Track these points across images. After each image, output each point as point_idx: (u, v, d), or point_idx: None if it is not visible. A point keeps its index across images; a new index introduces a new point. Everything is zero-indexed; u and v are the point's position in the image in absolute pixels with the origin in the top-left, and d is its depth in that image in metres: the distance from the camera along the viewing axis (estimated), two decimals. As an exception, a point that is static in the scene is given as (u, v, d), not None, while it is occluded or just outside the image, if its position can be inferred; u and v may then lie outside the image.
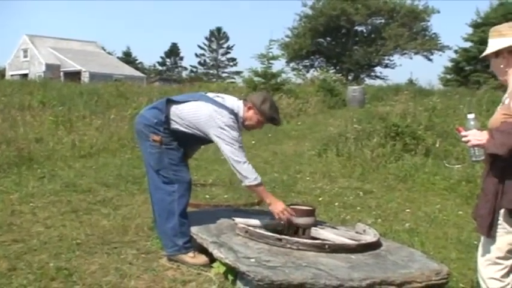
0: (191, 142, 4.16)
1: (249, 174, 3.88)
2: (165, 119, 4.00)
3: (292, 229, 3.99)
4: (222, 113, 3.93)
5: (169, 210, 4.01)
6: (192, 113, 4.00)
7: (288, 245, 3.67)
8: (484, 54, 2.85)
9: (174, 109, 4.03)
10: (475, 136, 2.69)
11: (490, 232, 2.74)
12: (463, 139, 2.74)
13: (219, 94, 4.23)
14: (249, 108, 4.06)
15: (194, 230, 4.06)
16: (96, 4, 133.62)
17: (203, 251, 3.93)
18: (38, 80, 25.28)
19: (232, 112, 3.98)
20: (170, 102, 4.08)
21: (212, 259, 3.81)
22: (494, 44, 2.78)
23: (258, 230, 3.88)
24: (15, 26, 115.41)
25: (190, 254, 4.03)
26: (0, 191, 6.15)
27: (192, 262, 3.98)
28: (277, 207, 3.95)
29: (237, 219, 4.18)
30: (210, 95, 4.18)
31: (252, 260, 3.39)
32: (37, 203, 5.68)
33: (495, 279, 2.78)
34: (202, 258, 3.98)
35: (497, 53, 2.78)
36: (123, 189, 6.60)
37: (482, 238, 2.86)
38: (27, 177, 6.88)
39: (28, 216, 5.18)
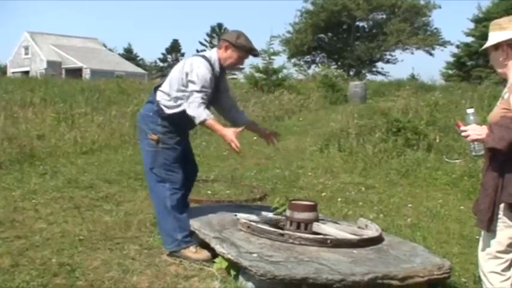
0: (189, 121, 4.13)
1: (203, 114, 3.90)
2: (157, 107, 4.09)
3: (295, 224, 4.00)
4: (193, 59, 4.06)
5: (164, 207, 4.11)
6: (170, 79, 4.14)
7: (290, 240, 3.68)
8: (483, 47, 2.86)
9: (161, 93, 4.14)
10: (475, 131, 2.69)
11: (490, 226, 2.75)
12: (463, 134, 2.74)
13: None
14: (226, 48, 4.12)
15: (196, 225, 4.07)
16: (97, 1, 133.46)
17: (205, 246, 3.94)
18: (39, 77, 25.33)
19: (204, 57, 4.08)
20: (157, 89, 4.21)
21: (214, 254, 3.82)
22: (494, 37, 2.79)
23: (260, 225, 3.89)
24: (16, 23, 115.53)
25: (192, 249, 4.05)
26: (2, 188, 6.16)
27: (195, 257, 4.00)
28: (227, 138, 3.93)
29: (239, 215, 4.19)
30: None
31: (254, 255, 3.40)
32: (39, 200, 5.69)
33: (496, 273, 2.79)
34: (205, 253, 4.00)
35: (496, 46, 2.78)
36: (125, 185, 6.62)
37: (482, 232, 2.86)
38: (30, 174, 6.89)
39: (30, 213, 5.19)
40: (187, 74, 4.01)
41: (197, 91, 3.93)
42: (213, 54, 4.15)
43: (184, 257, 4.02)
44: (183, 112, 3.99)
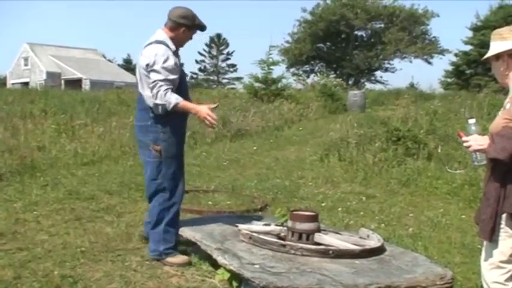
0: (183, 120, 4.26)
1: (172, 99, 3.93)
2: (152, 113, 4.09)
3: (296, 235, 4.00)
4: (149, 49, 4.07)
5: (159, 217, 4.19)
6: (139, 80, 4.19)
7: (292, 251, 3.69)
8: (484, 57, 2.87)
9: (145, 97, 4.13)
10: (476, 141, 2.70)
11: (492, 236, 2.75)
12: (465, 144, 2.75)
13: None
14: (172, 30, 4.16)
15: (198, 236, 4.08)
16: (96, 12, 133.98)
17: (208, 257, 3.95)
18: (39, 88, 25.35)
19: (161, 42, 4.09)
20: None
21: (216, 265, 3.82)
22: (495, 47, 2.79)
23: (261, 236, 3.89)
24: (15, 35, 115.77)
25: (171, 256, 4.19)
26: (3, 200, 6.16)
27: (171, 261, 4.13)
28: (202, 113, 3.96)
29: (241, 226, 4.20)
30: None
31: (257, 266, 3.40)
32: (41, 211, 5.69)
33: (499, 283, 2.79)
34: (181, 258, 4.17)
35: (497, 56, 2.79)
36: (126, 196, 6.62)
37: (485, 242, 2.86)
38: (30, 186, 6.89)
39: (32, 225, 5.19)
40: (147, 65, 4.01)
41: (161, 80, 3.94)
42: (163, 36, 4.15)
43: (164, 263, 4.16)
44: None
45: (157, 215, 4.19)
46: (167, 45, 4.07)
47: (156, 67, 3.96)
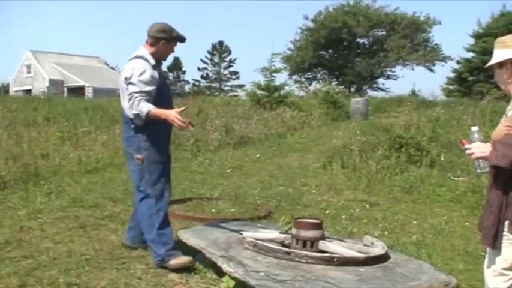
0: (165, 129, 4.40)
1: (144, 108, 4.10)
2: (133, 124, 4.30)
3: (301, 242, 4.01)
4: (129, 64, 4.32)
5: (149, 224, 4.33)
6: (121, 93, 4.43)
7: (297, 259, 3.70)
8: (488, 64, 2.88)
9: (126, 110, 4.35)
10: (479, 148, 2.72)
11: (495, 243, 2.76)
12: (467, 151, 2.77)
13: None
14: (152, 45, 4.38)
15: (202, 244, 4.09)
16: (98, 20, 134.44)
17: (212, 264, 3.96)
18: (42, 96, 25.42)
19: (140, 57, 4.32)
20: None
21: (221, 273, 3.83)
22: (499, 54, 2.81)
23: (266, 244, 3.90)
24: (18, 42, 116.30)
25: (173, 258, 4.24)
26: (8, 207, 6.19)
27: (175, 263, 4.20)
28: (170, 117, 4.09)
29: (245, 233, 4.21)
30: None
31: (261, 273, 3.41)
32: (45, 219, 5.70)
33: (502, 289, 2.80)
34: (185, 259, 4.22)
35: (501, 64, 2.80)
36: (130, 204, 6.58)
37: (488, 249, 2.88)
38: (34, 193, 6.91)
39: (37, 232, 5.21)
40: (126, 79, 4.26)
41: (136, 92, 4.16)
42: (144, 51, 4.38)
43: (168, 266, 4.21)
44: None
45: (147, 222, 4.35)
46: (146, 60, 4.31)
47: (132, 80, 4.20)
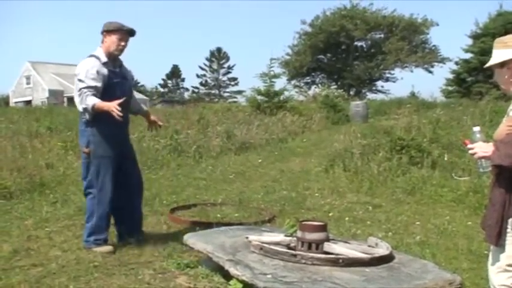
0: (117, 125, 4.66)
1: (89, 102, 4.53)
2: (84, 117, 4.72)
3: (306, 245, 4.06)
4: (81, 62, 4.76)
5: (91, 211, 4.86)
6: (75, 90, 4.78)
7: (303, 260, 3.74)
8: (488, 64, 2.89)
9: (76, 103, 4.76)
10: (481, 148, 2.76)
11: (498, 241, 2.81)
12: (470, 151, 2.81)
13: None
14: (101, 43, 4.82)
15: (209, 248, 4.13)
16: (97, 28, 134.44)
17: (219, 268, 4.01)
18: (43, 107, 25.49)
19: (90, 56, 4.77)
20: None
21: (228, 276, 3.87)
22: (499, 54, 2.81)
23: (272, 247, 3.95)
24: (17, 54, 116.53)
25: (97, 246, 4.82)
26: (15, 217, 6.24)
27: (95, 249, 4.76)
28: (109, 108, 4.45)
29: (251, 237, 4.26)
30: None
31: (269, 276, 3.46)
32: (52, 228, 5.76)
33: (506, 286, 2.85)
34: (106, 248, 4.79)
35: (502, 64, 2.81)
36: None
37: (491, 247, 2.92)
38: (40, 203, 6.97)
39: (44, 241, 5.26)
40: (75, 75, 4.66)
41: (84, 87, 4.56)
42: (98, 51, 4.80)
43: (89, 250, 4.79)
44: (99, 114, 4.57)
45: (89, 209, 4.86)
46: (97, 58, 4.73)
47: (80, 76, 4.60)
